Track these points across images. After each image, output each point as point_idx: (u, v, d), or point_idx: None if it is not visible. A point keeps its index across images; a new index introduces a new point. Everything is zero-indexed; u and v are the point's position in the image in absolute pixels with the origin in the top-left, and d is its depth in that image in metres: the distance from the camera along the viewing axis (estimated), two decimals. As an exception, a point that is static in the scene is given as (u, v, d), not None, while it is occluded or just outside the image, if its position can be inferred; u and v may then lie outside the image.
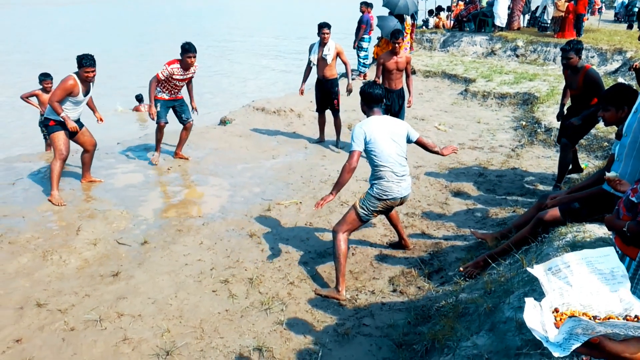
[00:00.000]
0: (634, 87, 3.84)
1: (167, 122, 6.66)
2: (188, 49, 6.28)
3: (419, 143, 4.31)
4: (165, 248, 4.77)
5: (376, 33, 12.44)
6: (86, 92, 5.70)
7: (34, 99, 7.41)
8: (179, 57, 6.38)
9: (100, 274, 4.35)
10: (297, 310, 3.94)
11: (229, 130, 8.50)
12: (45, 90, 7.31)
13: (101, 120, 6.17)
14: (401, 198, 4.20)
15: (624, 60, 11.67)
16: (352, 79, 11.75)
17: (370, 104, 4.21)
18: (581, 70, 5.38)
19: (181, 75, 6.39)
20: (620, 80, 10.02)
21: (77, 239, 4.85)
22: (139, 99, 11.61)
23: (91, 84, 5.74)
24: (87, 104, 6.00)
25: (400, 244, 4.86)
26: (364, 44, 12.18)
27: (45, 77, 7.34)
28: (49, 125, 5.68)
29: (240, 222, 5.33)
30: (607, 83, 9.42)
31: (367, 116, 4.25)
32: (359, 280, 4.38)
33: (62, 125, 5.63)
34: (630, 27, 17.78)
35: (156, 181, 6.36)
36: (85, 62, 5.46)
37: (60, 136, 5.65)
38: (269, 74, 17.33)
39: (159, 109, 6.48)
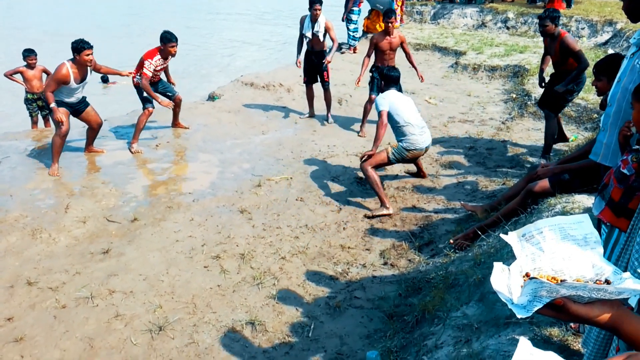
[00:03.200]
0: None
1: (154, 107, 6.55)
2: (170, 39, 6.16)
3: None
4: (155, 225, 4.75)
5: (366, 5, 12.25)
6: (82, 79, 5.70)
7: (18, 76, 7.25)
8: (159, 46, 6.24)
9: (91, 252, 4.33)
10: (289, 284, 3.96)
11: (217, 105, 8.41)
12: (29, 66, 7.15)
13: (130, 74, 6.31)
14: (425, 147, 5.16)
15: (615, 31, 11.61)
16: (342, 52, 11.67)
17: (389, 84, 5.27)
18: (558, 38, 5.65)
19: (162, 64, 6.37)
20: (611, 51, 10.00)
21: (66, 217, 4.81)
22: (105, 79, 11.49)
23: (88, 67, 5.75)
24: (107, 72, 6.26)
25: (418, 174, 5.78)
26: (354, 17, 11.98)
27: (29, 53, 7.15)
28: (49, 104, 5.71)
29: (230, 198, 5.32)
30: (598, 55, 9.41)
31: None
32: (350, 254, 4.40)
33: (62, 101, 5.69)
34: (621, -3, 17.66)
35: (145, 158, 6.30)
36: (85, 46, 5.50)
37: (61, 112, 5.69)
38: (253, 49, 17.08)
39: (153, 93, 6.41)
